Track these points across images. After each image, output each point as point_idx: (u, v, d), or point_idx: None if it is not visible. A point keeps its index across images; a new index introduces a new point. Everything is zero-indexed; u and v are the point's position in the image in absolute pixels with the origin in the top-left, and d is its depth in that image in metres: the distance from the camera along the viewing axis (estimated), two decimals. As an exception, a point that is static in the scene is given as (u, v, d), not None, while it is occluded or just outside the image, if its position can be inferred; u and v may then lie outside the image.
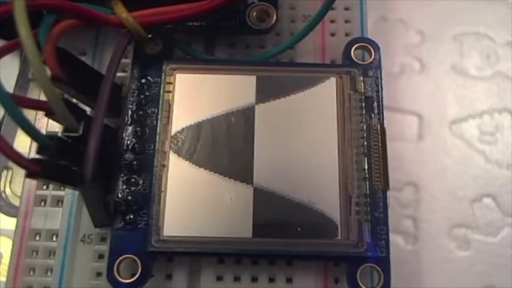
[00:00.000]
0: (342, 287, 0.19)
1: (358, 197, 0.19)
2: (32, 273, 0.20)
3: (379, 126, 0.20)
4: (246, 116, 0.20)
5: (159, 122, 0.20)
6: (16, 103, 0.15)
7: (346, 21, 0.23)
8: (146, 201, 0.19)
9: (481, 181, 0.24)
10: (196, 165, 0.19)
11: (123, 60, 0.20)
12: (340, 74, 0.21)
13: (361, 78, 0.21)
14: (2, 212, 0.23)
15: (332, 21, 0.23)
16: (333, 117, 0.20)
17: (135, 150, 0.20)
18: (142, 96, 0.20)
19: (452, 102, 0.25)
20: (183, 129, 0.20)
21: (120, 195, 0.19)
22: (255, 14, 0.21)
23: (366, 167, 0.19)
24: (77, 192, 0.20)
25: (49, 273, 0.20)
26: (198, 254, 0.19)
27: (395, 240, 0.23)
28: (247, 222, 0.19)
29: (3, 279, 0.20)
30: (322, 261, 0.20)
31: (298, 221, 0.19)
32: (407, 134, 0.25)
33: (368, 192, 0.19)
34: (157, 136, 0.20)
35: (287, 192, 0.19)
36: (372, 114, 0.20)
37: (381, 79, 0.21)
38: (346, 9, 0.23)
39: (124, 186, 0.19)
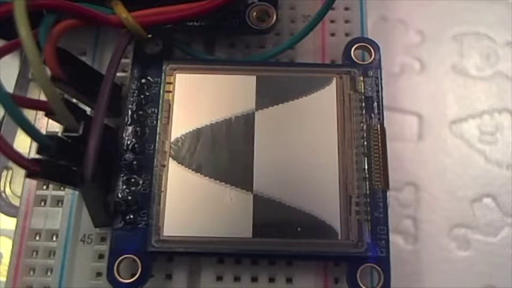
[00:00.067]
0: (342, 287, 0.19)
1: (358, 197, 0.19)
2: (32, 273, 0.20)
3: (379, 126, 0.20)
4: (246, 117, 0.20)
5: (159, 122, 0.20)
6: (16, 103, 0.15)
7: (346, 21, 0.23)
8: (146, 201, 0.19)
9: (481, 181, 0.24)
10: (196, 171, 0.19)
11: (123, 60, 0.20)
12: (340, 74, 0.21)
13: (361, 78, 0.21)
14: (2, 212, 0.23)
15: (332, 21, 0.23)
16: (333, 117, 0.20)
17: (135, 150, 0.20)
18: (142, 96, 0.20)
19: (452, 102, 0.25)
20: (182, 135, 0.20)
21: (120, 195, 0.19)
22: (255, 14, 0.21)
23: (366, 167, 0.19)
24: (77, 192, 0.20)
25: (49, 273, 0.20)
26: (198, 254, 0.19)
27: (395, 240, 0.23)
28: (247, 222, 0.19)
29: (3, 279, 0.20)
30: (322, 261, 0.20)
31: (298, 221, 0.19)
32: (407, 134, 0.25)
33: (368, 192, 0.19)
34: (157, 136, 0.20)
35: (287, 192, 0.19)
36: (372, 114, 0.20)
37: (381, 79, 0.21)
38: (346, 9, 0.23)
39: (124, 186, 0.19)
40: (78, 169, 0.17)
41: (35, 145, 0.16)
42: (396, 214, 0.23)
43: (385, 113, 0.20)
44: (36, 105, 0.18)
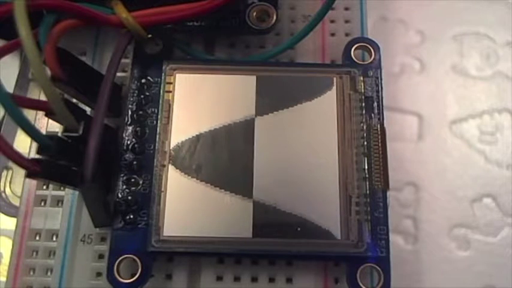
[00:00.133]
0: (342, 287, 0.19)
1: (358, 197, 0.19)
2: (32, 273, 0.20)
3: (379, 126, 0.20)
4: (246, 117, 0.20)
5: (159, 122, 0.20)
6: (16, 103, 0.15)
7: (346, 21, 0.23)
8: (146, 201, 0.19)
9: (481, 181, 0.24)
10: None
11: (123, 60, 0.20)
12: (340, 74, 0.21)
13: (361, 78, 0.21)
14: (2, 212, 0.23)
15: (332, 21, 0.23)
16: (333, 117, 0.20)
17: (135, 150, 0.20)
18: (142, 96, 0.20)
19: (452, 102, 0.25)
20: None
21: (120, 195, 0.19)
22: (255, 14, 0.21)
23: (366, 167, 0.19)
24: (77, 192, 0.20)
25: (49, 273, 0.20)
26: (198, 254, 0.19)
27: (395, 240, 0.23)
28: (247, 222, 0.19)
29: (3, 279, 0.20)
30: (322, 261, 0.20)
31: (298, 221, 0.19)
32: (407, 134, 0.25)
33: (368, 192, 0.19)
34: (157, 136, 0.20)
35: (287, 192, 0.19)
36: (372, 114, 0.20)
37: (381, 79, 0.21)
38: (346, 9, 0.23)
39: (124, 186, 0.19)
40: (78, 169, 0.17)
41: (35, 145, 0.16)
42: (396, 214, 0.23)
43: (385, 113, 0.20)
44: (36, 105, 0.18)
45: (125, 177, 0.19)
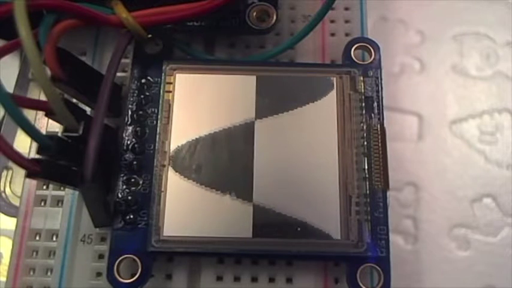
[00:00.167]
0: (342, 287, 0.19)
1: (358, 197, 0.19)
2: (32, 273, 0.20)
3: (379, 126, 0.20)
4: (246, 117, 0.20)
5: (159, 122, 0.20)
6: (16, 103, 0.15)
7: (346, 21, 0.23)
8: (146, 201, 0.19)
9: (481, 181, 0.24)
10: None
11: (123, 60, 0.20)
12: (340, 74, 0.21)
13: (361, 78, 0.21)
14: (2, 212, 0.23)
15: (332, 21, 0.23)
16: (333, 117, 0.20)
17: (135, 150, 0.20)
18: (142, 96, 0.20)
19: (452, 102, 0.25)
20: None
21: (120, 195, 0.19)
22: (255, 14, 0.21)
23: (366, 167, 0.19)
24: (77, 192, 0.20)
25: (49, 273, 0.20)
26: (198, 254, 0.19)
27: (395, 240, 0.23)
28: (247, 222, 0.19)
29: (3, 279, 0.20)
30: (322, 261, 0.20)
31: (298, 221, 0.19)
32: (407, 134, 0.25)
33: (368, 192, 0.19)
34: (157, 136, 0.20)
35: (287, 192, 0.19)
36: (372, 114, 0.20)
37: (381, 79, 0.21)
38: (346, 9, 0.23)
39: (124, 186, 0.19)
40: (78, 169, 0.17)
41: (35, 145, 0.16)
42: (396, 214, 0.23)
43: (385, 113, 0.20)
44: (36, 105, 0.18)
45: (124, 177, 0.19)
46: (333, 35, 0.23)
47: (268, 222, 0.19)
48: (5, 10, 0.16)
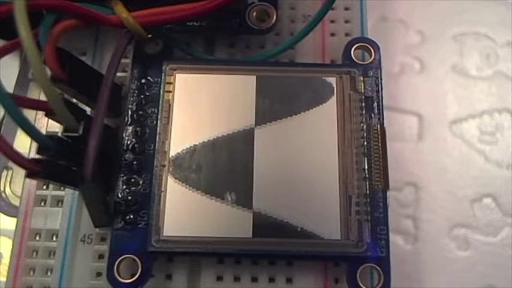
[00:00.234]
0: (342, 287, 0.19)
1: (358, 197, 0.19)
2: (32, 273, 0.20)
3: (379, 126, 0.20)
4: (246, 117, 0.20)
5: (159, 122, 0.20)
6: (16, 103, 0.15)
7: (346, 21, 0.23)
8: (146, 201, 0.19)
9: (481, 181, 0.24)
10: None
11: (123, 60, 0.20)
12: (340, 74, 0.21)
13: (361, 78, 0.21)
14: (2, 212, 0.23)
15: (332, 21, 0.23)
16: (333, 117, 0.20)
17: (135, 150, 0.20)
18: (142, 96, 0.20)
19: (452, 102, 0.25)
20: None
21: (120, 195, 0.19)
22: (255, 14, 0.21)
23: (366, 167, 0.19)
24: (77, 192, 0.20)
25: (49, 273, 0.20)
26: (198, 254, 0.19)
27: (395, 240, 0.23)
28: (247, 222, 0.19)
29: (3, 279, 0.20)
30: (322, 261, 0.20)
31: (298, 221, 0.19)
32: (407, 134, 0.25)
33: (368, 192, 0.19)
34: (157, 136, 0.20)
35: (286, 191, 0.19)
36: (372, 114, 0.20)
37: (381, 79, 0.21)
38: (346, 9, 0.23)
39: (124, 186, 0.19)
40: (78, 169, 0.17)
41: (35, 145, 0.16)
42: (396, 214, 0.23)
43: (385, 113, 0.20)
44: (36, 105, 0.18)
45: (124, 177, 0.19)
46: (333, 35, 0.23)
47: (268, 222, 0.19)
48: (5, 10, 0.16)
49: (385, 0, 0.27)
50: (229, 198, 0.19)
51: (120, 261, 0.18)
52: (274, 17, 0.21)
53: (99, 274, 0.20)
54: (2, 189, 0.23)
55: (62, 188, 0.21)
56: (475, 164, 0.24)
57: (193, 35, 0.22)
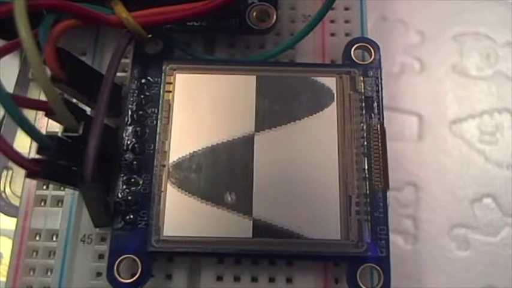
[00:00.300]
0: (342, 287, 0.19)
1: (358, 197, 0.19)
2: (32, 273, 0.20)
3: (379, 126, 0.20)
4: (245, 117, 0.20)
5: (159, 122, 0.20)
6: (16, 103, 0.15)
7: (346, 21, 0.23)
8: (146, 201, 0.19)
9: (481, 181, 0.24)
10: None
11: (123, 60, 0.20)
12: (340, 74, 0.21)
13: (361, 78, 0.21)
14: (2, 212, 0.23)
15: (332, 21, 0.23)
16: (333, 117, 0.20)
17: (135, 150, 0.20)
18: (142, 96, 0.20)
19: (452, 102, 0.25)
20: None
21: (120, 195, 0.19)
22: (255, 14, 0.21)
23: (366, 167, 0.19)
24: (77, 192, 0.20)
25: (49, 273, 0.20)
26: (198, 254, 0.19)
27: (395, 240, 0.23)
28: (247, 222, 0.19)
29: (3, 279, 0.20)
30: (322, 261, 0.20)
31: (298, 221, 0.19)
32: (407, 134, 0.25)
33: (368, 192, 0.19)
34: (157, 136, 0.20)
35: (286, 191, 0.19)
36: (372, 114, 0.20)
37: (381, 79, 0.21)
38: (346, 9, 0.23)
39: (124, 186, 0.19)
40: (78, 169, 0.17)
41: (35, 145, 0.16)
42: (396, 214, 0.23)
43: (385, 113, 0.20)
44: (36, 105, 0.18)
45: (124, 177, 0.19)
46: (333, 35, 0.23)
47: (268, 222, 0.19)
48: (5, 10, 0.16)
49: (385, 0, 0.27)
50: (229, 199, 0.19)
51: (120, 261, 0.18)
52: (274, 17, 0.21)
53: (99, 274, 0.20)
54: (2, 189, 0.23)
55: (62, 188, 0.21)
56: (475, 164, 0.24)
57: (193, 35, 0.22)
